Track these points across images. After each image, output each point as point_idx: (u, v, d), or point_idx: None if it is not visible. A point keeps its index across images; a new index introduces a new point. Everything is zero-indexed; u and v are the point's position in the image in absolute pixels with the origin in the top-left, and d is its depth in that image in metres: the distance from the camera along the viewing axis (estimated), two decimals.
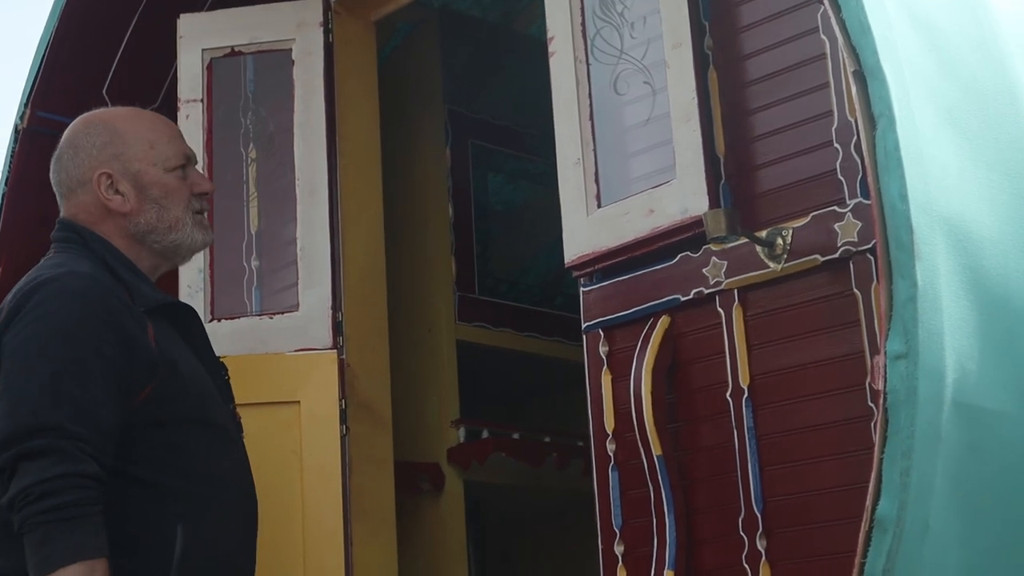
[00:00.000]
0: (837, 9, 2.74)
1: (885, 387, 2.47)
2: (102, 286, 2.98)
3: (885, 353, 2.48)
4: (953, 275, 2.56)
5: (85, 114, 3.17)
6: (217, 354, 3.20)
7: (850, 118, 3.15)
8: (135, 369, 2.85)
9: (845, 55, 2.71)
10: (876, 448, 2.49)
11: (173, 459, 2.91)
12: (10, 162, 4.79)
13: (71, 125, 3.13)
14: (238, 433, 3.12)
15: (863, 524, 2.50)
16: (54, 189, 3.12)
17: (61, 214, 3.12)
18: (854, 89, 2.67)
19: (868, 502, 2.49)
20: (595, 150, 3.70)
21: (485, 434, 5.10)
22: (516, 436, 5.18)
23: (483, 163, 5.68)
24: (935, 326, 2.49)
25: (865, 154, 2.62)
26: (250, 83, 4.75)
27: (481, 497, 5.22)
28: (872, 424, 2.96)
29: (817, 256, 3.17)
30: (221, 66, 4.67)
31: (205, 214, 3.16)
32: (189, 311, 3.13)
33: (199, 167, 3.30)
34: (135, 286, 2.99)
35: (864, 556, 2.47)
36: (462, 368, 5.17)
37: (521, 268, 5.85)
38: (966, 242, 2.63)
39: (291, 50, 4.60)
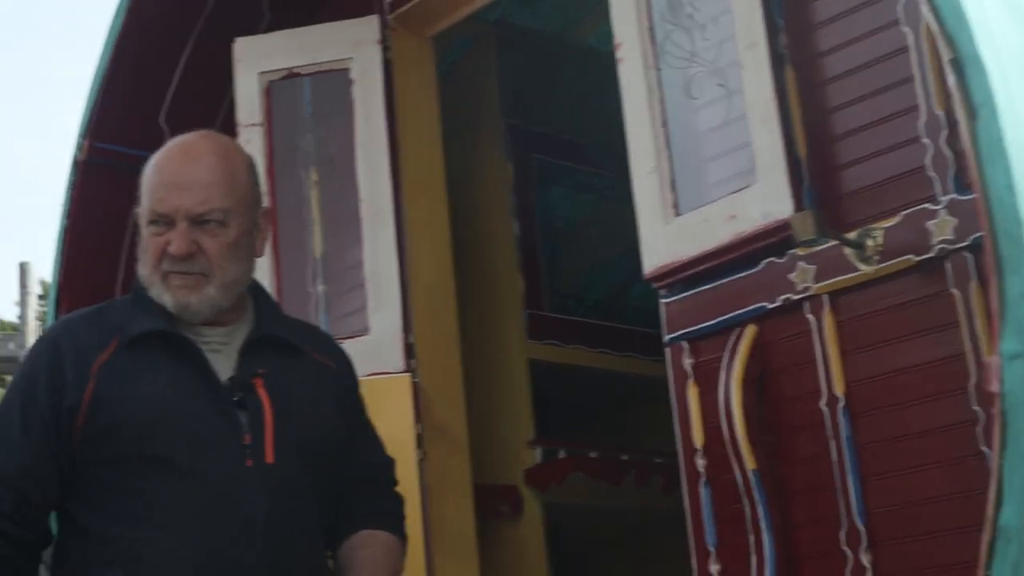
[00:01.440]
0: None
1: (1001, 389, 2.37)
2: (67, 325, 3.04)
3: (999, 353, 2.39)
4: None
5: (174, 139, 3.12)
6: None
7: (938, 111, 3.08)
8: (61, 412, 2.82)
9: (940, 43, 2.61)
10: (995, 454, 2.39)
11: (113, 500, 2.82)
12: (71, 195, 4.76)
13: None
14: (236, 466, 2.88)
15: (985, 534, 2.40)
16: None
17: None
18: (951, 79, 2.57)
19: (989, 511, 2.40)
20: (670, 157, 3.63)
21: (562, 454, 5.04)
22: (593, 455, 5.11)
23: (546, 177, 5.62)
24: None
25: (966, 146, 2.52)
26: (308, 104, 4.71)
27: (560, 518, 5.12)
28: (978, 429, 2.91)
29: (911, 256, 3.08)
30: (279, 88, 4.63)
31: (180, 277, 2.92)
32: (179, 339, 2.93)
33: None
34: (130, 320, 2.95)
35: (988, 568, 2.37)
36: (535, 388, 5.11)
37: (587, 283, 5.79)
38: None
39: (349, 69, 4.56)
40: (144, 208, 2.94)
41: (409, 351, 4.30)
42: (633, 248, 5.81)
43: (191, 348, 2.93)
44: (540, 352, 5.19)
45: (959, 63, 2.54)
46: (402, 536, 3.22)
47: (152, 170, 2.98)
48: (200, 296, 2.92)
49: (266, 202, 3.22)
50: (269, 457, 2.88)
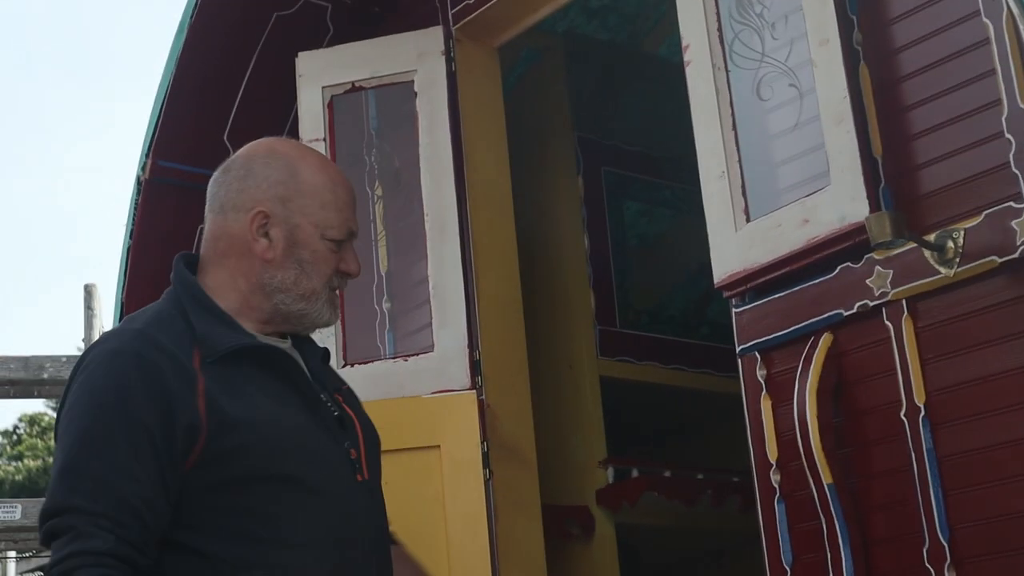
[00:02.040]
0: None
1: None
2: (148, 341, 2.82)
3: None
4: None
5: (274, 139, 3.02)
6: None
7: (1023, 105, 2.97)
8: (176, 433, 2.68)
9: None
10: None
11: (235, 524, 2.73)
12: (134, 214, 4.75)
13: (259, 143, 2.97)
14: (349, 482, 2.86)
15: None
16: (207, 199, 2.93)
17: (204, 230, 3.00)
18: None
19: None
20: (740, 161, 3.56)
21: (635, 473, 4.95)
22: (668, 474, 5.02)
23: (617, 191, 5.57)
24: None
25: None
26: (373, 119, 4.69)
27: (633, 540, 5.03)
28: None
29: (995, 257, 2.98)
30: (342, 102, 4.61)
31: (336, 295, 2.95)
32: (278, 353, 2.89)
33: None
34: (208, 332, 2.80)
35: None
36: (606, 405, 5.03)
37: (662, 298, 5.71)
38: None
39: (413, 81, 4.52)
40: (333, 222, 2.86)
41: (475, 368, 4.23)
42: (708, 262, 5.79)
43: (290, 362, 2.87)
44: (612, 369, 5.12)
45: None
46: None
47: (330, 184, 2.92)
48: (338, 311, 2.97)
49: None
50: (366, 473, 2.88)
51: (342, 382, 3.07)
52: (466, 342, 4.24)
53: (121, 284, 4.76)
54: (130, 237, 4.75)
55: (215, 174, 2.89)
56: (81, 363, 2.88)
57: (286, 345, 2.91)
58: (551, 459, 4.73)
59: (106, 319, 4.92)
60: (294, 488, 2.75)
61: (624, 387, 5.15)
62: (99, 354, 2.86)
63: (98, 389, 2.77)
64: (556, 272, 5.09)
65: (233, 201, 2.86)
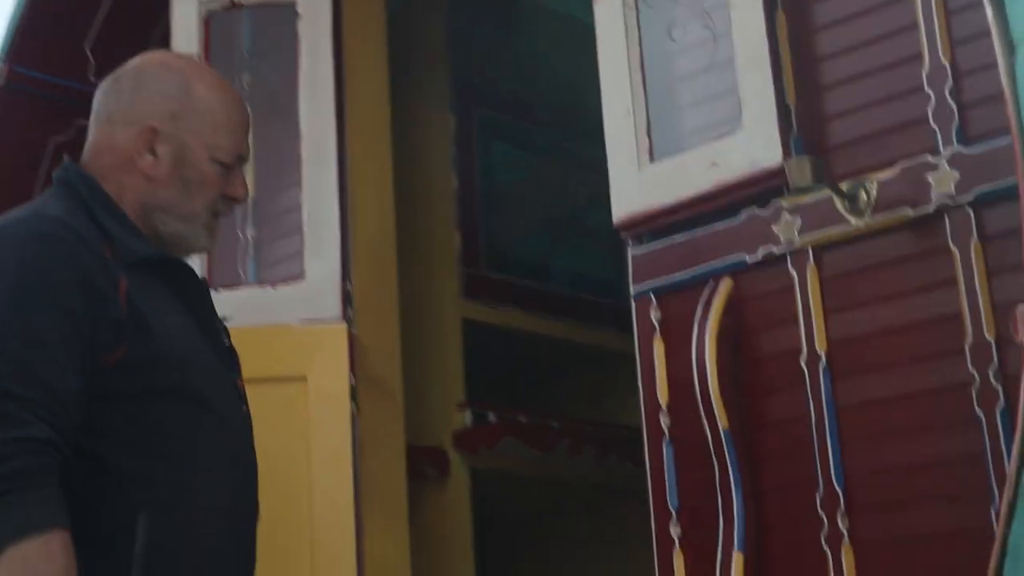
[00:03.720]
0: None
1: None
2: (70, 230, 2.75)
3: None
4: None
5: (168, 53, 2.97)
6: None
7: (944, 61, 3.01)
8: (101, 327, 2.56)
9: None
10: (1021, 409, 2.30)
11: (141, 439, 2.62)
12: None
13: (152, 55, 2.85)
14: (238, 410, 2.81)
15: (1006, 494, 2.35)
16: (93, 109, 2.81)
17: (88, 140, 2.86)
18: (989, 12, 2.49)
19: (1011, 469, 2.33)
20: (647, 101, 3.52)
21: (492, 418, 4.93)
22: (525, 420, 5.01)
23: (488, 132, 5.53)
24: None
25: (1005, 84, 2.45)
26: (247, 39, 4.53)
27: (487, 485, 5.00)
28: (972, 391, 2.86)
29: (907, 210, 3.00)
30: (219, 20, 4.41)
31: (226, 214, 2.85)
32: (185, 270, 2.81)
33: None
34: (119, 236, 2.69)
35: (1008, 527, 2.31)
36: (468, 349, 5.01)
37: (528, 244, 5.67)
38: None
39: (296, 3, 4.35)
40: (224, 145, 2.74)
41: (347, 299, 4.13)
42: (577, 209, 5.76)
43: (197, 284, 2.81)
44: (475, 312, 5.11)
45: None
46: None
47: (225, 105, 2.78)
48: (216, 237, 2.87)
49: None
50: (247, 403, 2.84)
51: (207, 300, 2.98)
52: (339, 273, 4.13)
53: None
54: None
55: (103, 83, 2.79)
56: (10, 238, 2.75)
57: (208, 243, 2.85)
58: (409, 399, 4.64)
59: None
60: (200, 408, 2.69)
61: (486, 331, 5.12)
62: (19, 236, 2.70)
63: (25, 272, 2.62)
64: (422, 210, 5.02)
65: (123, 114, 2.77)
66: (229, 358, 2.85)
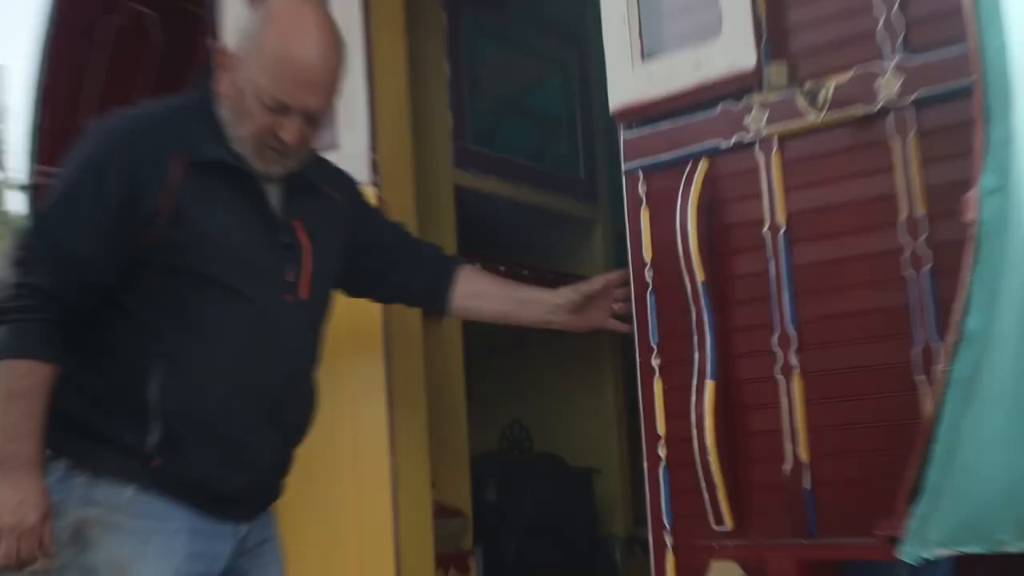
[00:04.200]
0: None
1: (979, 217, 2.37)
2: (136, 126, 2.85)
3: (980, 187, 2.39)
4: None
5: (289, 2, 2.87)
6: None
7: None
8: (134, 214, 2.71)
9: None
10: (966, 272, 2.39)
11: (172, 305, 2.78)
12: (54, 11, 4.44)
13: (277, 2, 2.86)
14: (277, 296, 2.89)
15: (949, 337, 2.42)
16: None
17: None
18: None
19: (955, 319, 2.42)
20: (639, 9, 3.51)
21: (477, 266, 4.91)
22: (502, 268, 4.98)
23: (472, 29, 5.45)
24: (1022, 167, 2.41)
25: (966, 6, 2.44)
26: None
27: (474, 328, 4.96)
28: (903, 257, 2.97)
29: (857, 108, 3.07)
30: None
31: (277, 151, 2.86)
32: (246, 176, 2.86)
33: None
34: (200, 140, 2.82)
35: (951, 364, 2.40)
36: (458, 211, 5.00)
37: (501, 124, 5.65)
38: None
39: None
40: (265, 87, 2.76)
41: (374, 167, 4.15)
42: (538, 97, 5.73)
43: (256, 186, 2.87)
44: (464, 180, 5.09)
45: None
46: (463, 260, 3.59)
47: (283, 51, 2.78)
48: (283, 166, 2.91)
49: None
50: (304, 294, 2.92)
51: (315, 212, 3.04)
52: (368, 143, 4.14)
53: (43, 69, 4.46)
54: (51, 20, 4.45)
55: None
56: (89, 130, 2.91)
57: (262, 169, 2.87)
58: None
59: (12, 99, 4.61)
60: (222, 289, 2.79)
61: (472, 196, 5.12)
62: (99, 129, 2.95)
63: (84, 160, 2.84)
64: (423, 94, 4.96)
65: (240, 31, 2.93)
66: (285, 253, 2.90)
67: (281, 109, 2.78)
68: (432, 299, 3.44)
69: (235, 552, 2.87)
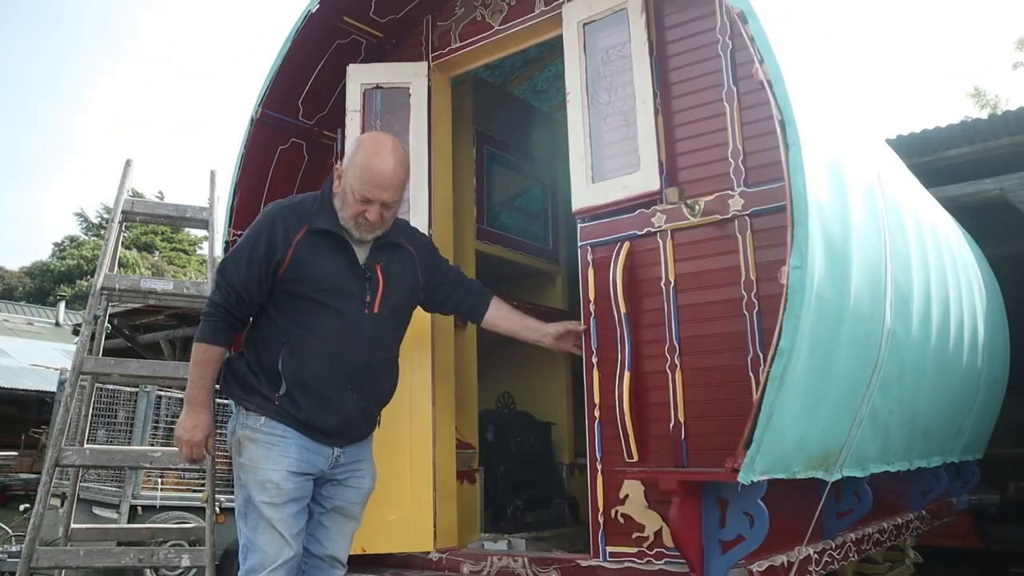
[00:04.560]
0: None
1: (788, 283, 2.41)
2: (281, 209, 2.83)
3: (788, 265, 2.42)
4: (818, 231, 2.52)
5: (373, 132, 2.90)
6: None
7: (740, 146, 3.10)
8: (270, 260, 2.73)
9: (774, 108, 2.52)
10: (780, 316, 2.40)
11: (292, 314, 2.76)
12: (247, 141, 4.39)
13: (365, 134, 2.90)
14: (360, 312, 2.79)
15: (769, 351, 2.42)
16: None
17: None
18: (778, 129, 2.51)
19: (773, 340, 2.42)
20: (591, 154, 3.54)
21: None
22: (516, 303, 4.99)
23: (491, 160, 5.43)
24: (814, 252, 2.47)
25: (783, 161, 2.48)
26: (379, 103, 4.45)
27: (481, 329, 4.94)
28: (742, 303, 2.97)
29: (717, 215, 3.11)
30: (368, 93, 4.37)
31: (366, 225, 2.79)
32: (339, 238, 2.80)
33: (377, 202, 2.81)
34: (316, 217, 2.80)
35: (770, 367, 2.39)
36: (478, 267, 4.94)
37: (503, 213, 5.52)
38: (824, 217, 2.57)
39: (408, 88, 4.34)
40: (355, 188, 2.73)
41: (430, 238, 4.13)
42: (525, 199, 5.74)
43: (347, 244, 2.82)
44: (481, 247, 5.06)
45: (783, 123, 2.51)
46: (493, 293, 3.36)
47: (366, 165, 2.73)
48: (371, 234, 2.84)
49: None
50: (376, 310, 2.83)
51: (393, 259, 2.93)
52: (427, 222, 4.09)
53: (239, 172, 4.48)
54: (244, 147, 4.47)
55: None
56: (261, 212, 2.91)
57: (358, 236, 2.81)
58: None
59: (222, 196, 4.60)
60: (322, 305, 2.75)
61: (485, 258, 5.09)
62: (264, 212, 2.91)
63: (251, 230, 2.83)
64: (460, 195, 4.96)
65: (345, 158, 2.85)
66: (367, 284, 2.82)
67: (366, 201, 2.73)
68: (473, 315, 3.29)
69: (331, 465, 2.79)
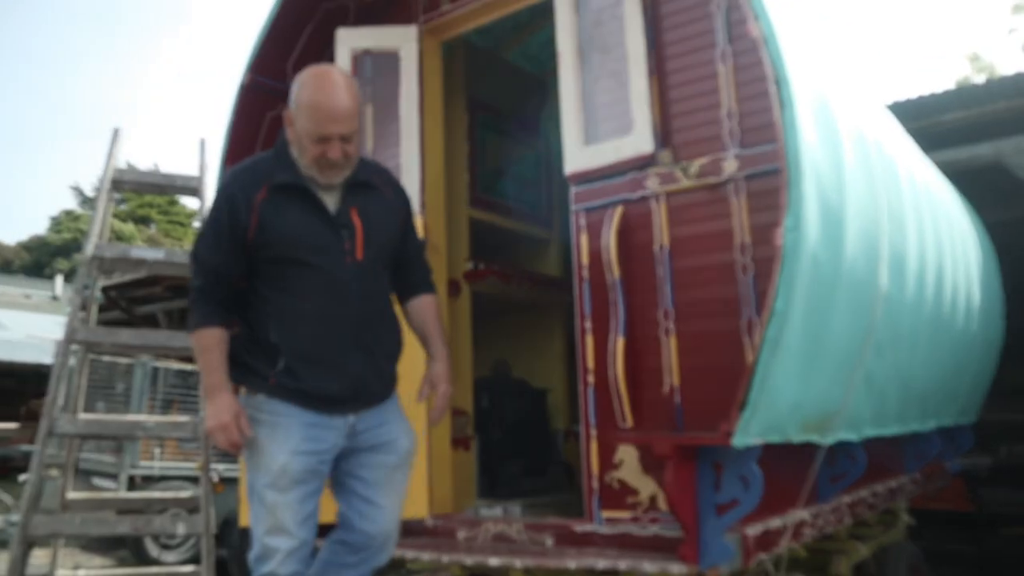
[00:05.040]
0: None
1: (783, 245, 2.37)
2: (236, 175, 2.68)
3: (784, 226, 2.38)
4: (812, 192, 2.48)
5: (315, 66, 2.64)
6: None
7: (735, 107, 3.03)
8: (236, 227, 2.60)
9: (770, 85, 2.45)
10: (775, 276, 2.36)
11: (273, 280, 2.64)
12: (236, 106, 4.31)
13: (306, 69, 2.64)
14: (342, 262, 2.63)
15: (764, 314, 2.38)
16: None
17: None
18: (772, 89, 2.45)
19: (768, 303, 2.38)
20: (584, 114, 3.49)
21: (481, 266, 4.86)
22: (496, 267, 4.95)
23: (483, 126, 5.38)
24: (808, 214, 2.43)
25: (776, 122, 2.44)
26: (369, 69, 4.36)
27: (479, 299, 4.83)
28: (736, 267, 2.94)
29: (712, 178, 3.07)
30: (359, 58, 4.29)
31: (329, 165, 2.60)
32: (301, 188, 2.62)
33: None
34: (276, 169, 2.65)
35: (765, 330, 2.35)
36: (471, 232, 4.95)
37: (498, 180, 5.46)
38: (819, 178, 2.53)
39: (398, 52, 4.26)
40: (309, 129, 2.55)
41: (423, 205, 4.10)
42: (519, 165, 5.69)
43: (313, 196, 2.66)
44: (475, 214, 5.02)
45: (778, 81, 2.47)
46: (434, 290, 3.05)
47: (314, 102, 2.54)
48: (339, 176, 2.67)
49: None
50: (359, 256, 2.68)
51: (369, 202, 2.75)
52: (419, 189, 4.07)
53: (224, 149, 4.40)
54: (233, 114, 4.39)
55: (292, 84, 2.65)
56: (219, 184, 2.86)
57: (325, 181, 2.65)
58: (446, 256, 4.62)
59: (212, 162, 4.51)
60: (300, 266, 2.61)
61: (479, 224, 5.05)
62: (220, 183, 2.83)
63: (212, 205, 2.71)
64: (454, 168, 4.89)
65: (290, 102, 2.65)
66: (343, 231, 2.65)
67: (322, 140, 2.54)
68: (400, 294, 2.99)
69: (348, 435, 2.64)
